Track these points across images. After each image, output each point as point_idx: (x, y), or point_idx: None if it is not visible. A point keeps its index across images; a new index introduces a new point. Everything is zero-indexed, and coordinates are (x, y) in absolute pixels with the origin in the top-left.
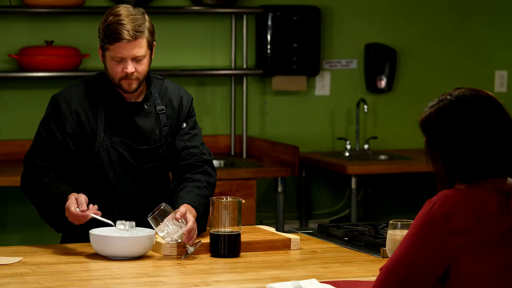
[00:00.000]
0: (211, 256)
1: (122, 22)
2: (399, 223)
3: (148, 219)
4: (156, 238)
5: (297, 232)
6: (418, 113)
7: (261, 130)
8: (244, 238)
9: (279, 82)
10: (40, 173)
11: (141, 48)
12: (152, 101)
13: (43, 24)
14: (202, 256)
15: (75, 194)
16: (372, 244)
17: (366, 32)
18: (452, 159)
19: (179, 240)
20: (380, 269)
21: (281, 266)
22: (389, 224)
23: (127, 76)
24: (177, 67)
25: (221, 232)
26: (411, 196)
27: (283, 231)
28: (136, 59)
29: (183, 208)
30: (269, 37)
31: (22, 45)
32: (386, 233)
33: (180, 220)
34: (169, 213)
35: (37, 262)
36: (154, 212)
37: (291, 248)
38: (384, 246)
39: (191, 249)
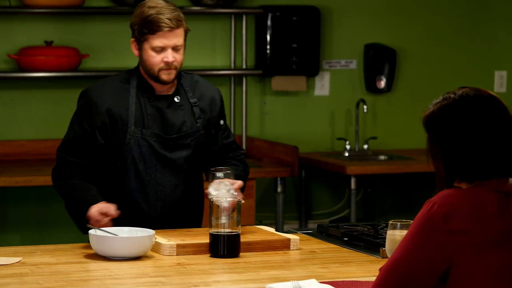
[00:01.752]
0: (211, 256)
1: (163, 12)
2: (399, 223)
3: (211, 170)
4: (155, 238)
5: (297, 233)
6: (418, 113)
7: (260, 130)
8: (243, 238)
9: (278, 82)
10: (69, 173)
11: (180, 38)
12: (184, 94)
13: (43, 25)
14: (201, 256)
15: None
16: (371, 244)
17: (366, 32)
18: (452, 157)
19: (221, 206)
20: (380, 269)
21: (280, 266)
22: (389, 224)
23: (167, 66)
24: None
25: (221, 232)
26: (411, 196)
27: (282, 231)
28: (176, 49)
29: (241, 183)
30: (268, 37)
31: (22, 45)
32: (386, 233)
33: (235, 192)
34: (229, 179)
35: (37, 263)
36: (220, 170)
37: (291, 249)
38: (384, 246)
39: (224, 219)
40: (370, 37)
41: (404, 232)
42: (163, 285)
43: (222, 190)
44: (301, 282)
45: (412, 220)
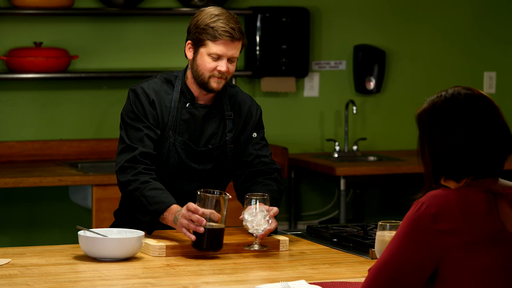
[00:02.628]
0: (193, 248)
1: (228, 21)
2: (388, 224)
3: (247, 195)
4: (144, 239)
5: (286, 234)
6: (407, 114)
7: None
8: (233, 239)
9: (268, 83)
10: (144, 170)
11: (238, 50)
12: (221, 106)
13: (32, 26)
14: (191, 257)
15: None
16: (361, 245)
17: (355, 33)
18: (437, 154)
19: (255, 233)
20: (369, 270)
21: (270, 267)
22: (378, 225)
23: (219, 74)
24: (167, 68)
25: (206, 226)
26: (400, 197)
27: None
28: (231, 59)
29: (277, 209)
30: (258, 39)
31: (11, 46)
32: (375, 234)
33: (269, 218)
34: (265, 205)
35: (26, 264)
36: (254, 195)
37: (280, 249)
38: (373, 247)
39: (256, 246)
40: (359, 38)
41: (393, 233)
42: (152, 286)
43: (258, 217)
44: (290, 283)
45: (401, 220)
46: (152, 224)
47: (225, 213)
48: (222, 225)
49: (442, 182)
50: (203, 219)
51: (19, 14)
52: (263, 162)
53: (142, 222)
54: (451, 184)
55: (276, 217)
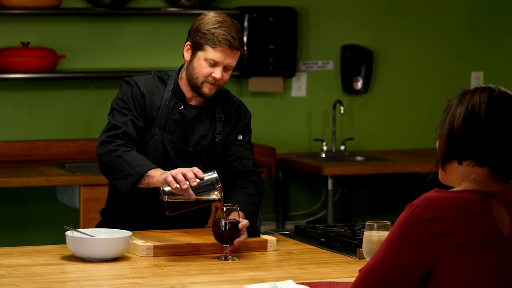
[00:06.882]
0: (161, 196)
1: (230, 30)
2: (376, 224)
3: (216, 206)
4: (132, 239)
5: (274, 234)
6: (394, 114)
7: None
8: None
9: (255, 83)
10: (125, 142)
11: (235, 59)
12: (212, 108)
13: (19, 26)
14: (178, 257)
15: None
16: (348, 245)
17: (343, 33)
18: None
19: (225, 244)
20: (359, 271)
21: (257, 267)
22: (366, 225)
23: (213, 81)
24: (154, 68)
25: (190, 194)
26: (388, 197)
27: (259, 232)
28: (227, 67)
29: (247, 222)
30: (245, 39)
31: None
32: (363, 234)
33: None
34: (234, 214)
35: (13, 264)
36: (224, 205)
37: (268, 250)
38: (361, 247)
39: (223, 256)
40: (347, 38)
41: (381, 233)
42: (140, 286)
43: (227, 228)
44: (278, 283)
45: (389, 220)
46: (130, 188)
47: (211, 198)
48: (193, 198)
49: (442, 168)
50: (195, 180)
51: (6, 14)
52: (244, 164)
53: (120, 188)
54: (453, 168)
55: (263, 217)
